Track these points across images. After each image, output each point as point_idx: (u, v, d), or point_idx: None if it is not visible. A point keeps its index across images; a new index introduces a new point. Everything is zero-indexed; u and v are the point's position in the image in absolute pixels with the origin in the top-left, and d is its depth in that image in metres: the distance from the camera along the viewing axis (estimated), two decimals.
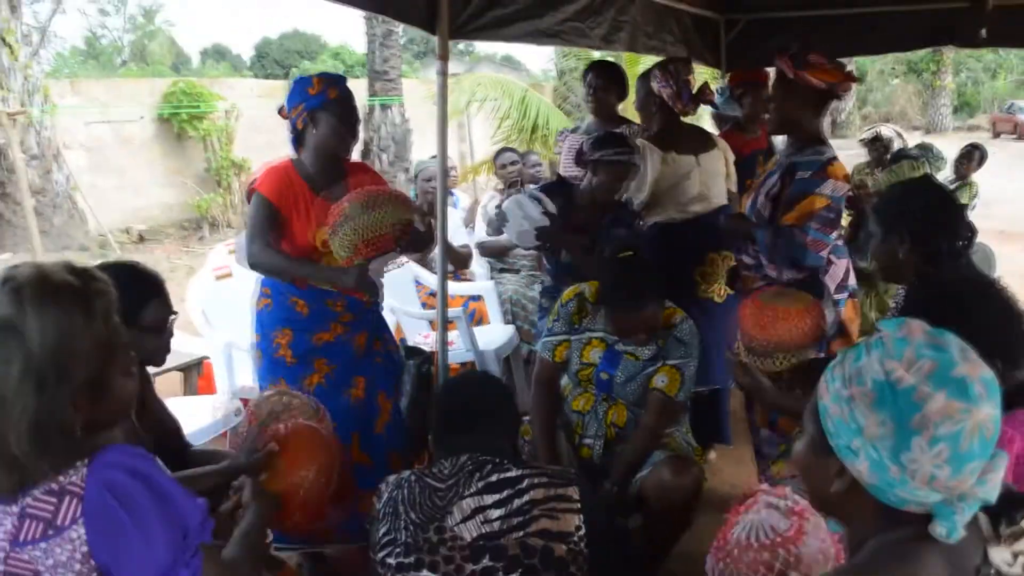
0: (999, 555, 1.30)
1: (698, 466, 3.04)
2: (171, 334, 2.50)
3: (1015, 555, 1.30)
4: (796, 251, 3.26)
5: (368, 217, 3.02)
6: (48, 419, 1.47)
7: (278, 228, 3.30)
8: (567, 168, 4.77)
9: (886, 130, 7.63)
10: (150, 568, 1.51)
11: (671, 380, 3.13)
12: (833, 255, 3.55)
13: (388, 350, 3.60)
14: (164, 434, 2.63)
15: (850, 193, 3.65)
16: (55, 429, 1.48)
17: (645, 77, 4.32)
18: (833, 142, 3.56)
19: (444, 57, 4.00)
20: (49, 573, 1.46)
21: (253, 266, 3.33)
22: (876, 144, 7.50)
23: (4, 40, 11.40)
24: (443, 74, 4.04)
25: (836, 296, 3.53)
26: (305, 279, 3.33)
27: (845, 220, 7.63)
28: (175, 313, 2.50)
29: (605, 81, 4.72)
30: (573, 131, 5.07)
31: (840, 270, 3.57)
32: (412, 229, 3.13)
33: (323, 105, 3.27)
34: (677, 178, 4.16)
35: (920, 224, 2.59)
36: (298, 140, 3.39)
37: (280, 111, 3.41)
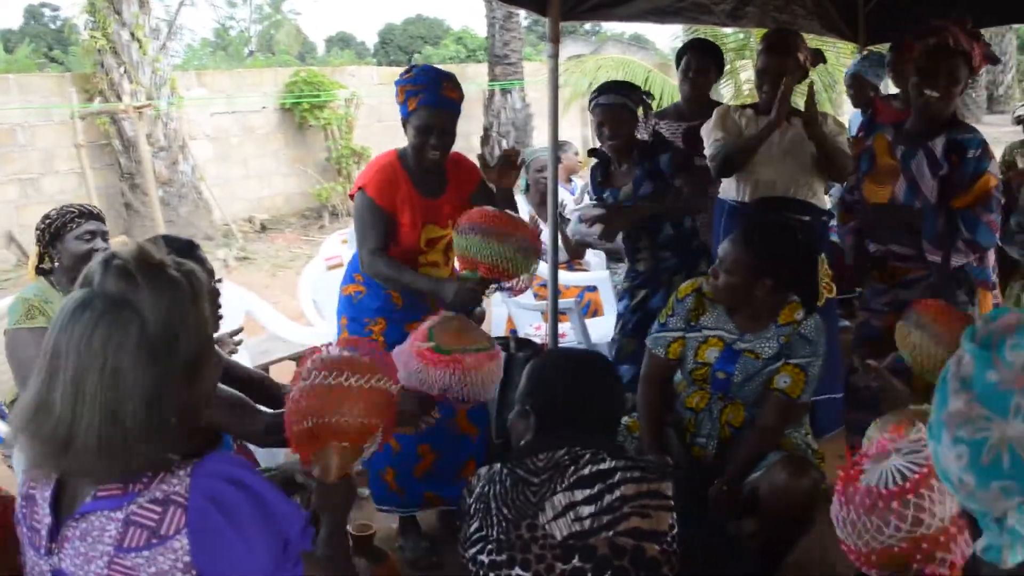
0: None
1: (817, 469, 2.86)
2: None
3: None
4: (978, 233, 3.09)
5: (492, 244, 2.94)
6: (159, 395, 1.47)
7: (385, 227, 3.27)
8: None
9: None
10: None
11: (794, 380, 2.95)
12: None
13: None
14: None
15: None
16: (165, 407, 1.49)
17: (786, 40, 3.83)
18: (989, 119, 3.35)
19: (555, 40, 3.91)
20: None
21: (369, 275, 3.34)
22: None
23: (134, 35, 11.73)
24: (554, 57, 3.95)
25: None
26: (407, 286, 3.29)
27: None
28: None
29: (704, 64, 4.32)
30: (660, 116, 4.62)
31: (991, 260, 3.37)
32: (508, 279, 3.06)
33: (407, 116, 3.23)
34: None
35: None
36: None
37: None
